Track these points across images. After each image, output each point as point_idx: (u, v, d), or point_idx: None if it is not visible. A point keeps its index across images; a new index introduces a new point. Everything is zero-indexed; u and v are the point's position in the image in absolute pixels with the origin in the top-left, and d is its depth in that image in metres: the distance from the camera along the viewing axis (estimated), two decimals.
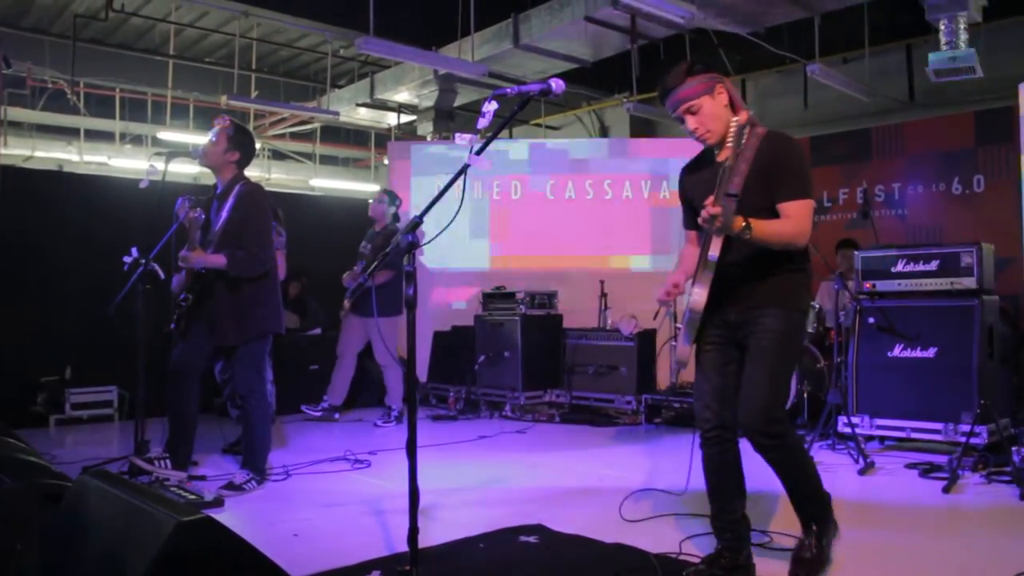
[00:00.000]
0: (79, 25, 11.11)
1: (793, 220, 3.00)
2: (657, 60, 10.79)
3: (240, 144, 4.92)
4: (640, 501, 4.50)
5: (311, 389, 8.32)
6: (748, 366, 3.10)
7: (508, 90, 2.99)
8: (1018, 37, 8.93)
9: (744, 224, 2.84)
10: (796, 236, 3.00)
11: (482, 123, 2.90)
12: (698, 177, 3.25)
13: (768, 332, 3.06)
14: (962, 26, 7.10)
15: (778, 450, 3.08)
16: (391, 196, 7.79)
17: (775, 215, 3.03)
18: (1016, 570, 3.20)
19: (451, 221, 3.04)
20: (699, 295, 3.01)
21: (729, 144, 3.01)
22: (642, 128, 12.63)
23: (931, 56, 7.20)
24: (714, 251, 2.96)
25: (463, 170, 2.87)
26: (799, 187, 3.02)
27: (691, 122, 3.12)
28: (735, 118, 3.04)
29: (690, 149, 3.41)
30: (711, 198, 2.85)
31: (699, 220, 2.85)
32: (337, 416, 7.72)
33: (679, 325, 3.27)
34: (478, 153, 2.86)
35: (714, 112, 3.10)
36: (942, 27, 7.16)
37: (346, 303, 7.61)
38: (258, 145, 14.51)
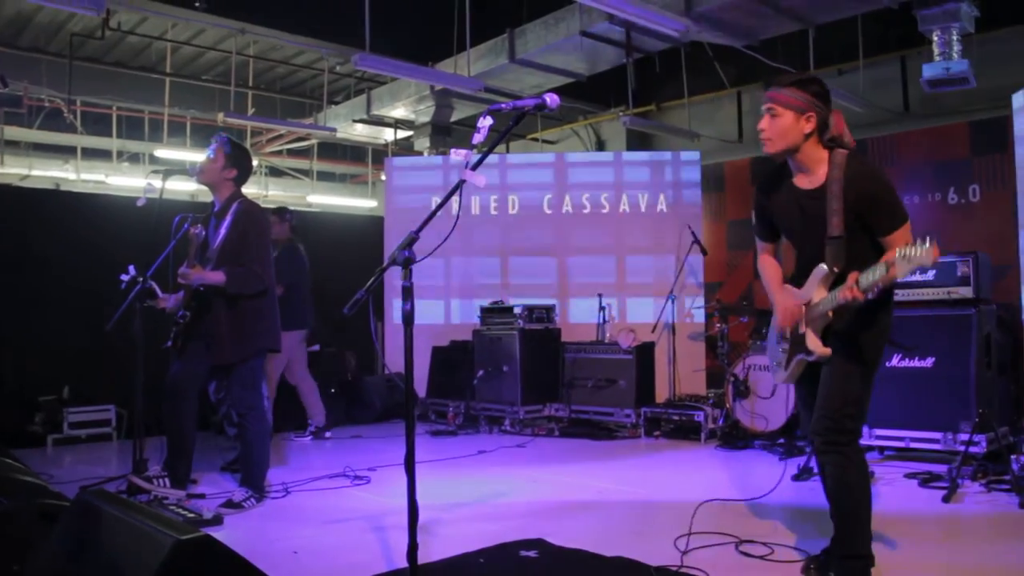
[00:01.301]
0: (76, 44, 11.15)
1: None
2: (653, 74, 10.83)
3: (237, 161, 4.94)
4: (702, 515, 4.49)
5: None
6: (822, 375, 3.19)
7: (503, 105, 2.99)
8: (1011, 47, 8.98)
9: (865, 296, 2.89)
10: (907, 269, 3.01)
11: (477, 138, 2.90)
12: (778, 198, 3.33)
13: (843, 345, 3.11)
14: (955, 37, 7.14)
15: (832, 456, 3.11)
16: (281, 212, 7.68)
17: (874, 243, 3.10)
18: None
19: (447, 236, 3.04)
20: (824, 351, 3.13)
21: (811, 173, 3.15)
22: (638, 141, 12.66)
23: (925, 67, 7.24)
24: (815, 294, 3.15)
25: (458, 185, 2.87)
26: (897, 216, 3.06)
27: (764, 122, 3.17)
28: (830, 153, 3.13)
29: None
30: (855, 274, 2.91)
31: (841, 299, 2.93)
32: (328, 435, 7.68)
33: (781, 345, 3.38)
34: (473, 168, 2.87)
35: (785, 129, 3.12)
36: (935, 38, 7.20)
37: None
38: (255, 162, 14.56)
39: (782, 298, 3.36)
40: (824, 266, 3.11)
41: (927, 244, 2.70)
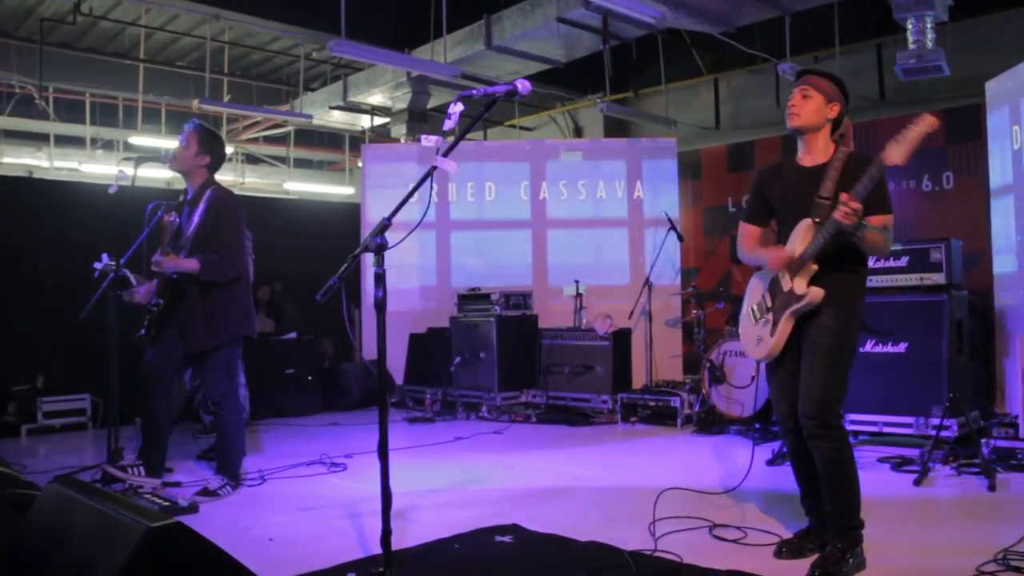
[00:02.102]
0: (46, 29, 10.99)
1: (884, 231, 3.26)
2: (630, 60, 10.83)
3: (210, 148, 4.89)
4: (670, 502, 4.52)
5: (287, 393, 8.30)
6: (806, 360, 3.36)
7: (474, 91, 2.99)
8: (985, 36, 9.03)
9: (862, 223, 3.09)
10: (887, 245, 3.31)
11: (448, 125, 2.90)
12: (779, 174, 3.57)
13: (824, 329, 3.31)
14: (929, 25, 7.17)
15: (827, 440, 3.27)
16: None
17: None
18: (984, 559, 3.25)
19: (419, 222, 3.04)
20: (816, 291, 3.30)
21: (816, 155, 3.42)
22: (616, 128, 12.66)
23: (899, 55, 7.27)
24: (800, 245, 3.32)
25: (430, 172, 2.87)
26: (885, 202, 3.30)
27: (795, 99, 3.43)
28: (836, 147, 3.40)
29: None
30: (845, 194, 3.09)
31: (837, 215, 3.08)
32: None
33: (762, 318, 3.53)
34: (445, 155, 2.87)
35: (812, 110, 3.40)
36: (909, 26, 7.23)
37: None
38: (231, 149, 14.46)
39: (773, 249, 3.50)
40: (809, 219, 3.31)
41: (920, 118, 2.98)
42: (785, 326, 3.39)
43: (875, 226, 3.20)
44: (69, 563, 2.43)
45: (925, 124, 2.99)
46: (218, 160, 4.96)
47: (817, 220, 3.27)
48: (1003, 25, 8.87)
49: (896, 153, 3.01)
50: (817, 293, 3.27)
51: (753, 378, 6.72)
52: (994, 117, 6.74)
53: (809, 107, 3.39)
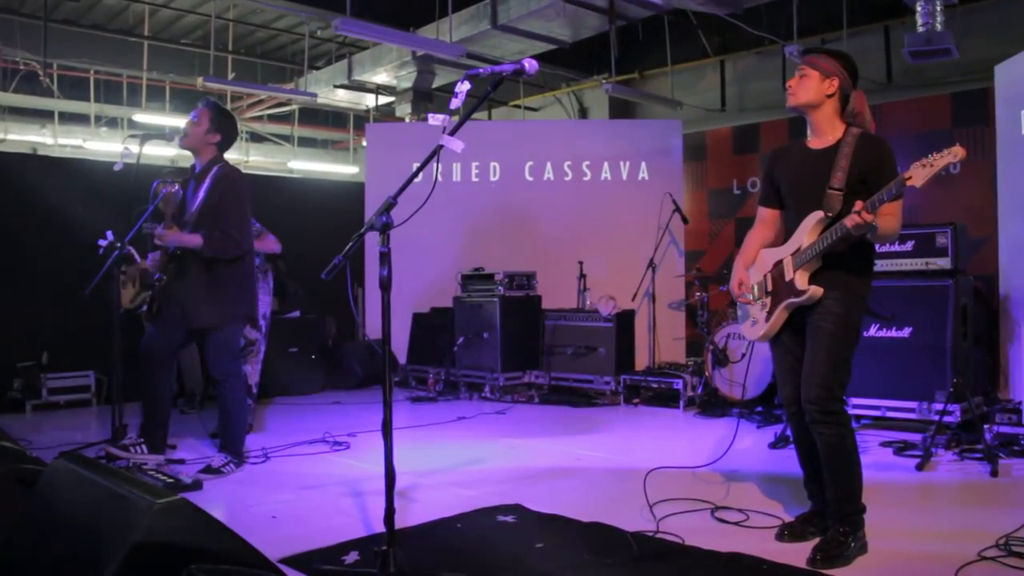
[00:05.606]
0: (50, 5, 10.95)
1: (893, 218, 3.23)
2: (636, 41, 10.77)
3: (222, 126, 4.89)
4: (660, 479, 4.53)
5: (289, 372, 8.30)
6: (810, 345, 3.35)
7: (481, 70, 2.97)
8: (994, 19, 8.96)
9: (874, 223, 3.08)
10: (897, 232, 3.32)
11: (455, 103, 2.89)
12: (788, 157, 3.54)
13: (829, 314, 3.29)
14: (938, 7, 7.11)
15: (830, 425, 3.27)
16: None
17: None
18: (986, 544, 3.26)
19: (424, 202, 3.03)
20: (816, 290, 3.31)
21: (823, 136, 3.39)
22: (621, 109, 12.62)
23: (907, 38, 7.22)
24: (808, 238, 3.31)
25: (436, 151, 2.86)
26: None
27: (793, 79, 3.44)
28: (846, 127, 3.36)
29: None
30: (860, 203, 3.07)
31: (848, 223, 3.08)
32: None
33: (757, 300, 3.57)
34: (451, 134, 2.86)
35: (808, 88, 3.37)
36: (919, 8, 7.16)
37: None
38: None
39: (739, 268, 3.62)
40: (820, 212, 3.28)
41: (949, 147, 2.93)
42: (780, 315, 3.42)
43: (884, 215, 3.15)
44: (75, 538, 2.44)
45: (953, 154, 2.94)
46: (229, 139, 4.96)
47: (829, 214, 3.24)
48: (1013, 9, 8.80)
49: (920, 176, 2.98)
50: (816, 291, 3.27)
51: (743, 355, 6.72)
52: (1002, 101, 6.69)
53: (804, 85, 3.37)
